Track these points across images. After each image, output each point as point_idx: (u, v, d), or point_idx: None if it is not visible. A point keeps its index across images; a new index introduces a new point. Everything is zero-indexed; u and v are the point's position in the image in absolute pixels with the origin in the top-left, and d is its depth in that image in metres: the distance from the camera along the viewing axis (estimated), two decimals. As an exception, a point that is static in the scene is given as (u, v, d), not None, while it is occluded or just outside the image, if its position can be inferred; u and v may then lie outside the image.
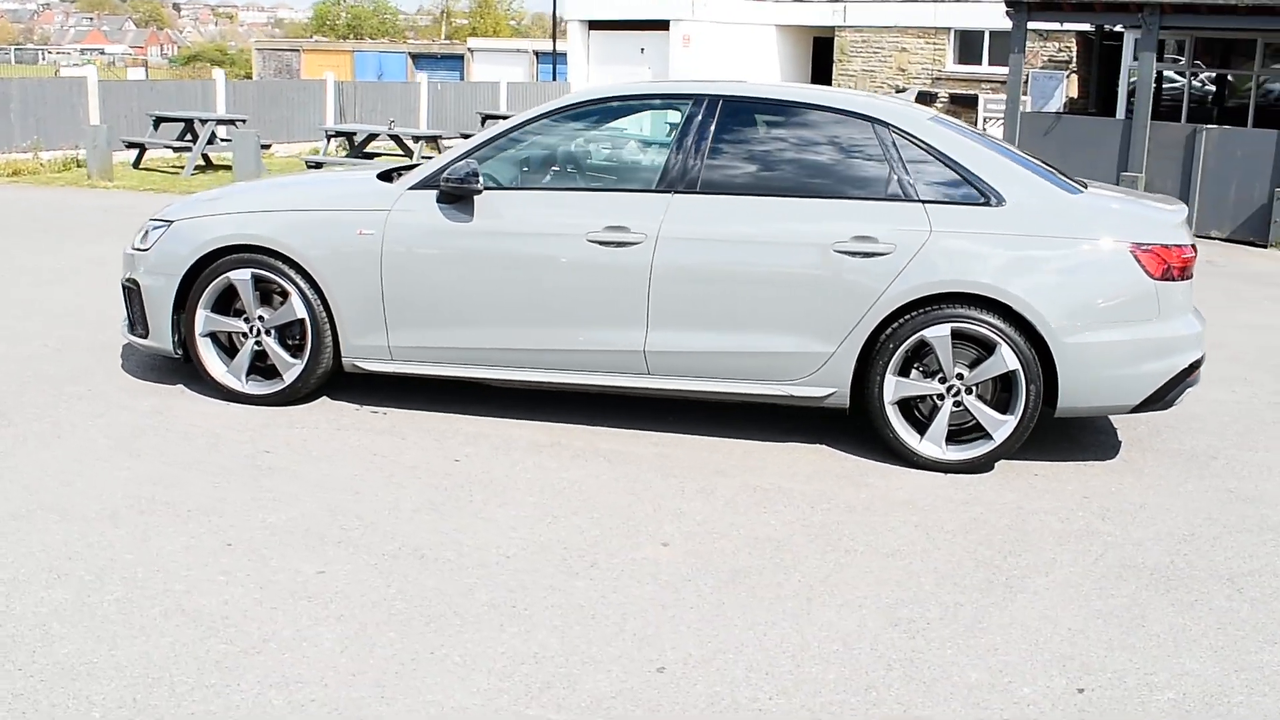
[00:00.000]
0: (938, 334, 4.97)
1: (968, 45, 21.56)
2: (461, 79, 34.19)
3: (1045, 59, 20.57)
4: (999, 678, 3.41)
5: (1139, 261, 4.93)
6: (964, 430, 5.10)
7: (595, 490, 4.70)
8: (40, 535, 4.03)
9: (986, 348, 4.98)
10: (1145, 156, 14.73)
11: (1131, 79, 18.86)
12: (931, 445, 5.07)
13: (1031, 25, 19.86)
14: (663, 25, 22.62)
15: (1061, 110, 20.13)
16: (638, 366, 5.23)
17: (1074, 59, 20.22)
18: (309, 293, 5.39)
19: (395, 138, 14.22)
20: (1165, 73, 19.17)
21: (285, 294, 5.44)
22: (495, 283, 5.25)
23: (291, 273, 5.40)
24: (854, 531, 4.42)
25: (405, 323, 5.35)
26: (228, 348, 5.65)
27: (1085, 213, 5.09)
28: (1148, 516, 4.71)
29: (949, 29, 21.61)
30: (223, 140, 15.26)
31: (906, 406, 5.11)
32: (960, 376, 5.02)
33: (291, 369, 5.51)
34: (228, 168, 16.09)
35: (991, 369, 4.97)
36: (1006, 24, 20.71)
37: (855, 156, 5.18)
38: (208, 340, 5.59)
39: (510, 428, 5.40)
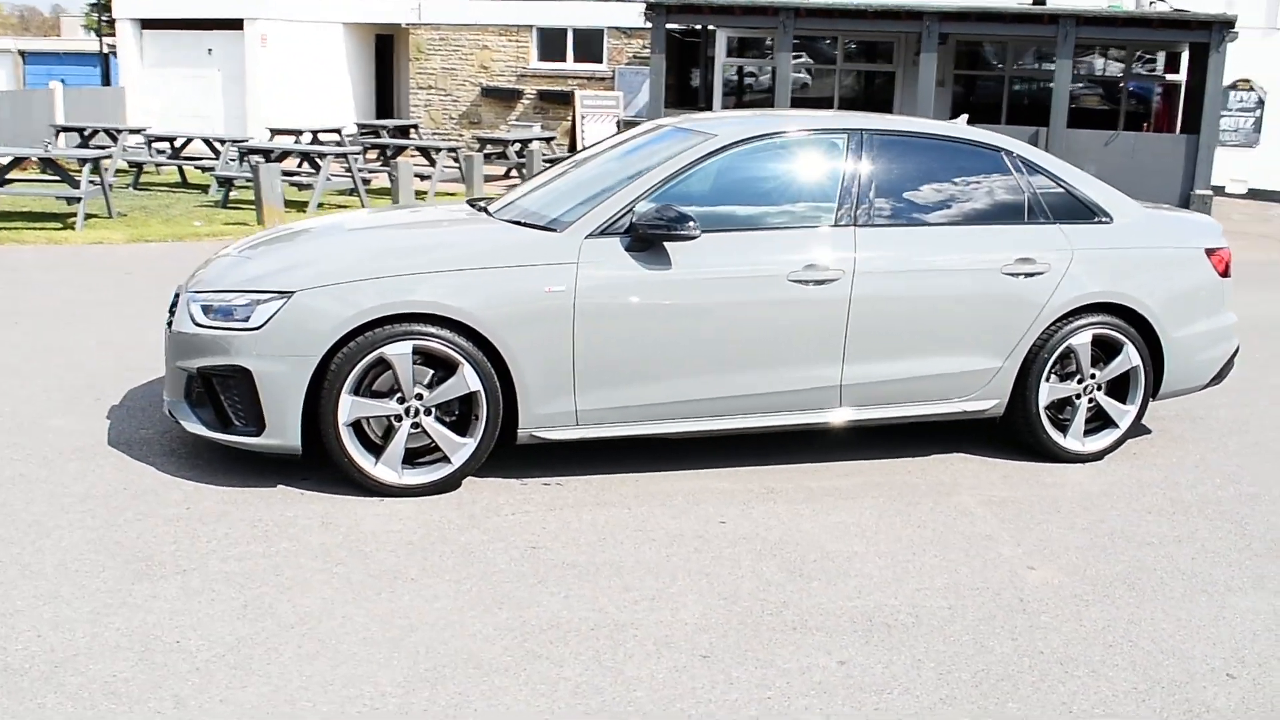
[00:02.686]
0: (1081, 340, 5.53)
1: (551, 42, 22.24)
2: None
3: (630, 56, 21.81)
4: None
5: (1211, 263, 5.83)
6: (1087, 422, 5.72)
7: (884, 529, 4.73)
8: (499, 696, 3.38)
9: (1111, 348, 5.63)
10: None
11: (724, 74, 20.62)
12: (1074, 440, 5.64)
13: (614, 24, 21.08)
14: (235, 24, 20.93)
15: (650, 102, 21.50)
16: (832, 401, 5.28)
17: (656, 57, 21.63)
18: (484, 361, 4.79)
19: (49, 160, 12.06)
20: (741, 66, 21.18)
21: (448, 365, 4.79)
22: (696, 330, 5.02)
23: (462, 340, 4.77)
24: (1123, 528, 4.87)
25: (597, 383, 4.94)
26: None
27: (1166, 224, 5.91)
28: (1269, 478, 5.63)
29: (531, 26, 22.14)
30: None
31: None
32: (1093, 376, 5.63)
33: (460, 450, 4.86)
34: None
35: (1120, 367, 5.63)
36: (589, 22, 21.80)
37: (994, 184, 5.57)
38: (350, 430, 4.77)
39: (700, 479, 5.19)
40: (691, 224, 4.86)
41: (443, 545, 4.40)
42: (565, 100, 21.98)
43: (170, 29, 21.31)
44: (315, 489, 4.90)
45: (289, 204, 13.33)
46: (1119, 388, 5.71)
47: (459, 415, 4.89)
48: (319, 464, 5.01)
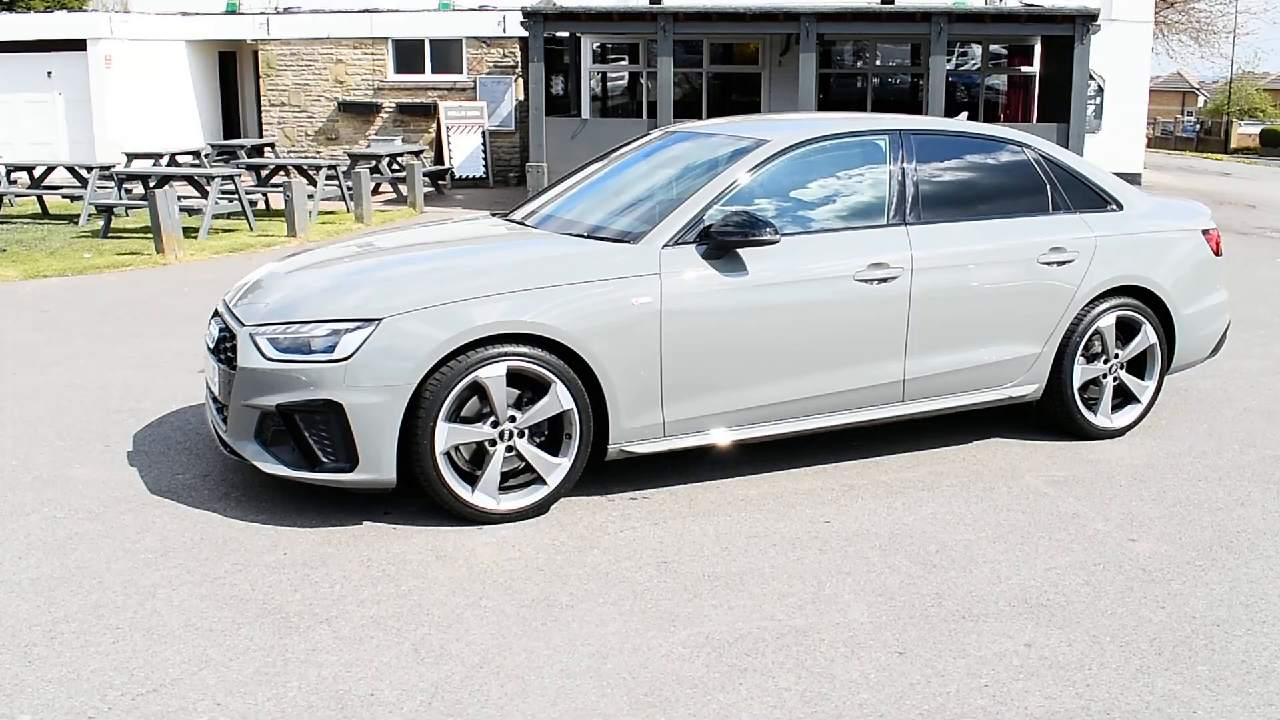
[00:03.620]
0: (1107, 322, 5.81)
1: (409, 54, 21.76)
2: None
3: (491, 65, 21.55)
4: None
5: (1208, 244, 6.20)
6: (1112, 399, 6.01)
7: (980, 516, 4.86)
8: (735, 713, 3.34)
9: (1130, 328, 5.92)
10: (668, 153, 16.47)
11: (592, 80, 20.61)
12: (1104, 418, 5.92)
13: (473, 33, 20.90)
14: (76, 45, 19.75)
15: (515, 112, 21.37)
16: (895, 396, 5.39)
17: (519, 64, 21.44)
18: (575, 378, 4.71)
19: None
20: (605, 73, 21.24)
21: (537, 385, 4.69)
22: (774, 334, 5.05)
23: (554, 359, 4.68)
24: (1186, 496, 5.13)
25: (682, 394, 4.92)
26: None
27: (1167, 209, 6.24)
28: (1275, 441, 6.04)
29: (387, 39, 21.62)
30: None
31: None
32: (1115, 356, 5.92)
33: (555, 470, 4.77)
34: None
35: (1139, 345, 5.93)
36: (447, 32, 21.49)
37: (1020, 177, 5.78)
38: (445, 459, 4.61)
39: (777, 482, 5.23)
40: (770, 229, 4.89)
41: (573, 569, 4.30)
42: (426, 112, 21.61)
43: (4, 52, 19.96)
44: (403, 522, 4.72)
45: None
46: (1136, 365, 6.01)
47: (548, 435, 4.80)
48: (392, 496, 4.85)
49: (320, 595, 4.07)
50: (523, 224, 5.69)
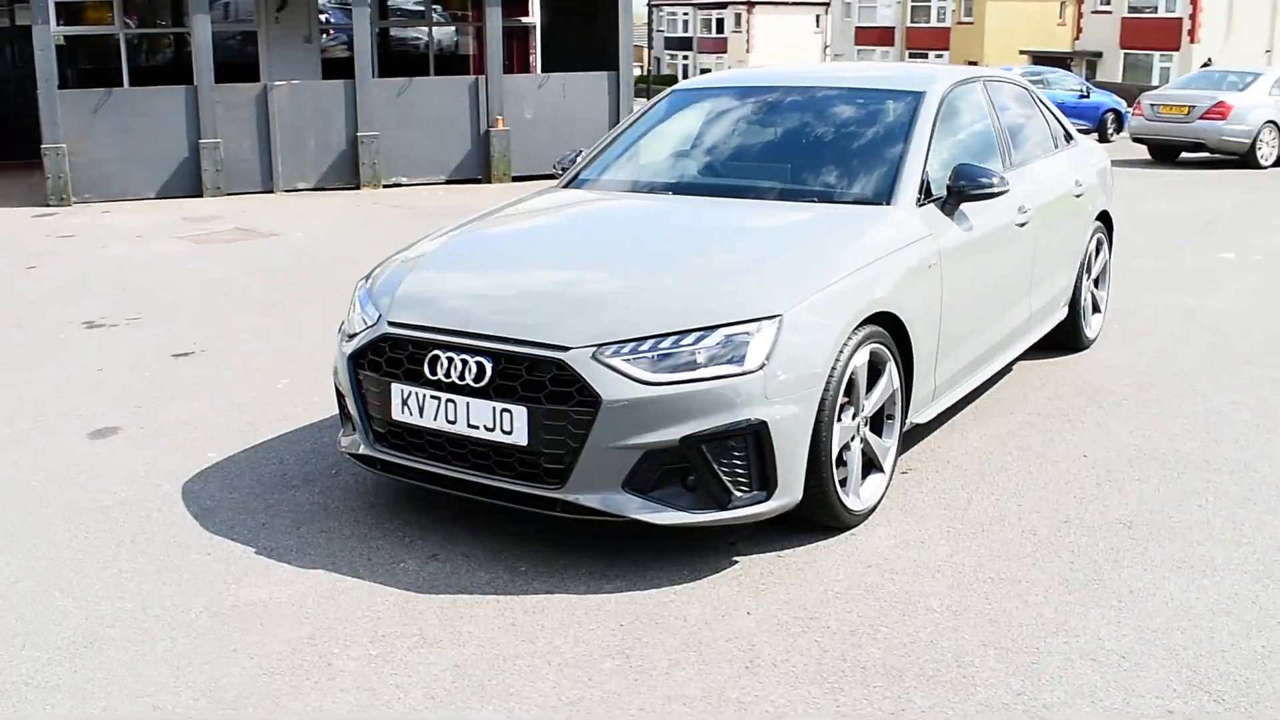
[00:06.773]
0: (1094, 244, 6.59)
1: None
2: None
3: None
4: None
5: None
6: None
7: (1143, 426, 5.38)
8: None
9: (1098, 248, 6.74)
10: (216, 121, 14.60)
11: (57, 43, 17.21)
12: (1088, 329, 6.71)
13: None
14: None
15: None
16: (1025, 330, 5.69)
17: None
18: (898, 355, 4.42)
19: None
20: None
21: (872, 368, 4.32)
22: (987, 284, 5.14)
23: (889, 336, 4.34)
24: (1234, 382, 6.07)
25: (945, 354, 4.81)
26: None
27: (1087, 141, 7.08)
28: (1200, 344, 7.25)
29: None
30: None
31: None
32: (1091, 274, 6.71)
33: (888, 456, 4.47)
34: None
35: (1102, 262, 6.79)
36: None
37: (1036, 117, 6.27)
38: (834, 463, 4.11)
39: (959, 432, 5.31)
40: (998, 179, 4.87)
41: (1016, 549, 4.12)
42: None
43: None
44: (764, 549, 4.14)
45: None
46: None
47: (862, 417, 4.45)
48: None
49: (872, 645, 3.50)
50: (682, 194, 5.10)
